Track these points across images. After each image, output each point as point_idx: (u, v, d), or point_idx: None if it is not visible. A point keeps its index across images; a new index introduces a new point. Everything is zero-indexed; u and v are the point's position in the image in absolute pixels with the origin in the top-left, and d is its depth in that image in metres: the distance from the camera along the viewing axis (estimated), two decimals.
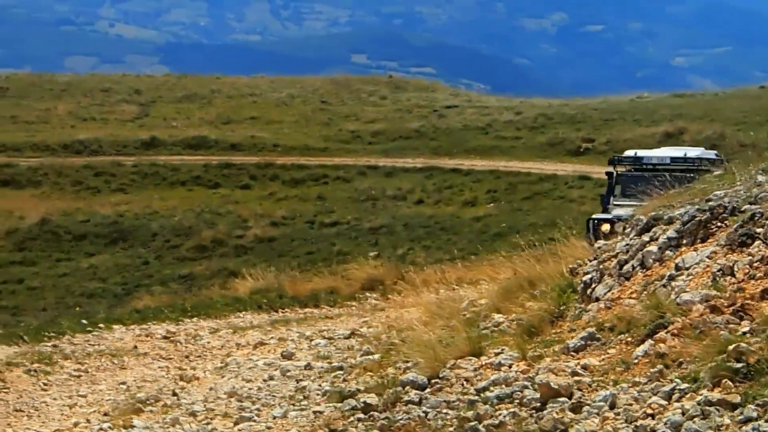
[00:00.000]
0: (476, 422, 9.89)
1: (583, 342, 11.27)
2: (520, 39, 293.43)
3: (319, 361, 16.14)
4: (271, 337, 19.77)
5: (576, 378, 10.21)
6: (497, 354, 12.15)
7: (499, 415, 9.91)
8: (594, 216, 23.99)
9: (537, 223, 37.25)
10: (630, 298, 11.87)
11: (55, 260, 45.98)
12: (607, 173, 26.61)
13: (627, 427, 8.73)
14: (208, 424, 12.41)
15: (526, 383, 10.56)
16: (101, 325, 21.59)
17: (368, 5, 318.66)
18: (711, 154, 26.49)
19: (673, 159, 25.34)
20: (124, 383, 15.79)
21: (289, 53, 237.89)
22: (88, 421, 13.31)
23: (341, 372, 14.67)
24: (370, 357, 15.16)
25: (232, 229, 47.67)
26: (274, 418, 12.32)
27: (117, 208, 51.19)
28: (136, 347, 19.14)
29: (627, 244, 13.42)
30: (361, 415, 11.37)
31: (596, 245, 16.42)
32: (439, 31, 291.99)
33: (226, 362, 16.97)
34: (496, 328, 14.22)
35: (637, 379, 9.66)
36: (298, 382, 14.47)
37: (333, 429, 11.24)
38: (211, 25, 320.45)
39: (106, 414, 13.63)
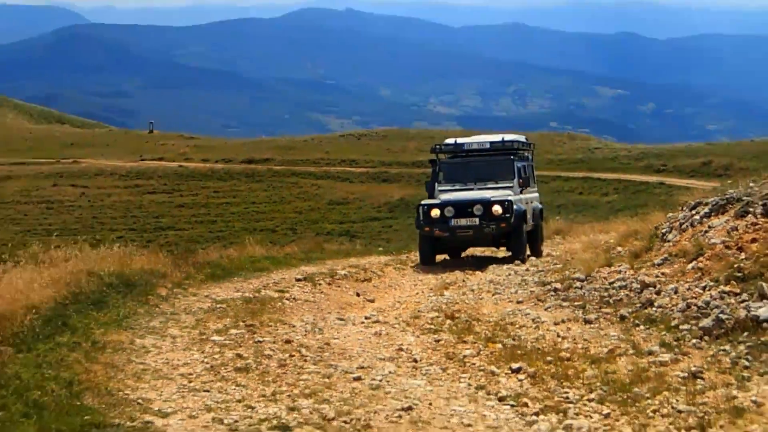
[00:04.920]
0: (608, 297, 12.02)
1: (661, 261, 12.57)
2: None
3: (531, 267, 17.57)
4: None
5: (658, 278, 11.85)
6: (619, 266, 13.60)
7: (619, 294, 12.07)
8: (423, 202, 19.11)
9: None
10: (685, 241, 12.74)
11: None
12: (431, 161, 20.85)
13: (683, 302, 10.51)
14: (479, 294, 14.38)
15: (633, 280, 12.32)
16: None
17: None
18: (522, 138, 21.42)
19: (492, 143, 20.15)
20: (440, 276, 17.61)
21: None
22: (423, 292, 15.79)
23: (542, 272, 16.28)
24: (557, 265, 16.80)
25: None
26: (511, 293, 14.26)
27: None
28: (445, 259, 20.71)
29: (684, 215, 14.06)
30: (552, 293, 13.45)
31: (666, 215, 15.75)
32: None
33: (490, 268, 18.30)
34: (618, 254, 14.93)
35: (688, 279, 11.20)
36: (522, 277, 16.08)
37: (538, 298, 13.28)
38: None
39: (431, 289, 15.99)
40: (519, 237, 18.85)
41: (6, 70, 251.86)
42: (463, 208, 18.53)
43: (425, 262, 19.10)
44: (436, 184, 19.95)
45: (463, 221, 18.42)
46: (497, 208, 18.26)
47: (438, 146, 21.15)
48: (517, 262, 18.40)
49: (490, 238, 19.08)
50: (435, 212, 18.64)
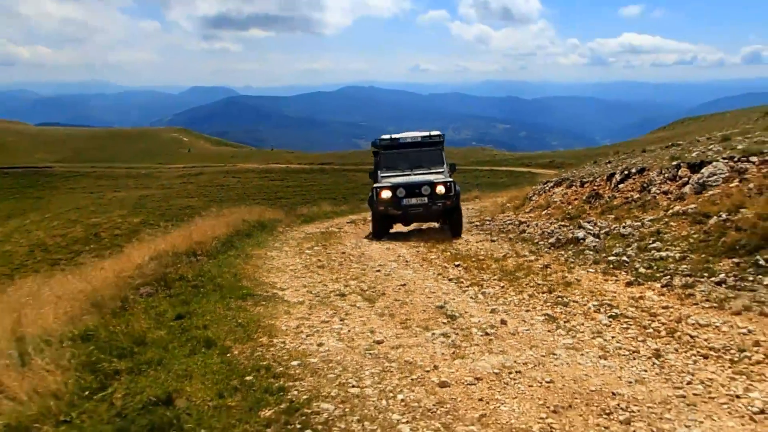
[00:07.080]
0: (503, 228, 11.57)
1: (529, 210, 12.29)
2: None
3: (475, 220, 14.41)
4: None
5: (528, 219, 11.59)
6: (508, 214, 13.24)
7: (508, 227, 11.60)
8: (375, 185, 12.01)
9: None
10: (541, 200, 12.38)
11: None
12: (374, 152, 13.39)
13: (540, 230, 10.05)
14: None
15: (515, 220, 12.02)
16: None
17: None
18: (439, 132, 13.06)
19: (423, 137, 12.88)
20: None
21: None
22: (410, 228, 13.39)
23: (469, 217, 14.57)
24: (478, 213, 14.99)
25: None
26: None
27: None
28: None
29: (541, 187, 13.49)
30: (475, 227, 12.44)
31: (532, 187, 14.14)
32: None
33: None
34: (507, 207, 14.22)
35: (543, 219, 10.94)
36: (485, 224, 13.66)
37: (468, 230, 12.10)
38: None
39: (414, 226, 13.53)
40: (459, 213, 11.97)
41: (199, 119, 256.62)
42: (412, 189, 11.79)
43: (378, 237, 12.02)
44: (379, 171, 12.84)
45: (413, 200, 11.73)
46: (441, 189, 11.72)
47: (378, 140, 13.28)
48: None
49: (437, 214, 12.20)
50: (387, 193, 11.75)
